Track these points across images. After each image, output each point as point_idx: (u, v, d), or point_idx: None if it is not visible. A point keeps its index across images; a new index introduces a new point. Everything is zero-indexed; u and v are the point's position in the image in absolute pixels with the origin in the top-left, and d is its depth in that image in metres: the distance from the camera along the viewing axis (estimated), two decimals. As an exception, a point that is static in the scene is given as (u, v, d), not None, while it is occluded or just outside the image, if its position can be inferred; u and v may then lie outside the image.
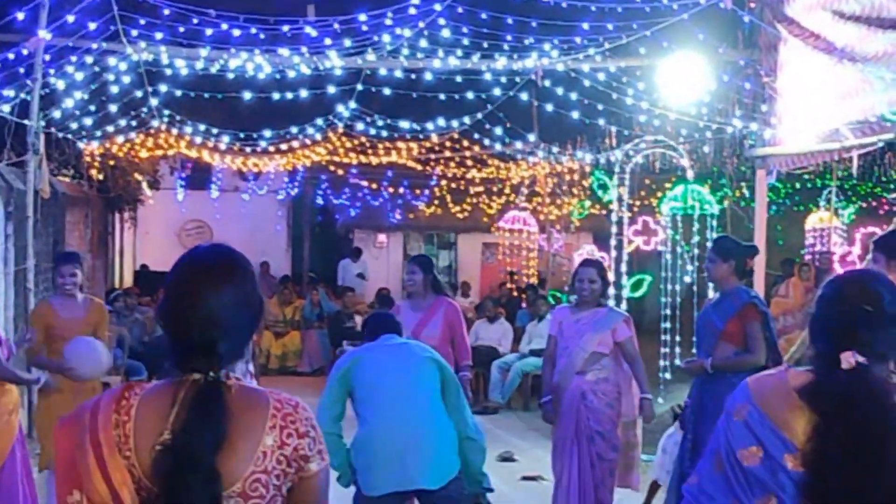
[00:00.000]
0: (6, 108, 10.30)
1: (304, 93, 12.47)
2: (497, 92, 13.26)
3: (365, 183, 21.01)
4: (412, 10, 10.21)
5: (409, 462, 5.38)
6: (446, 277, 21.09)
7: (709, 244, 7.09)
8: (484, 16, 10.45)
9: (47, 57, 10.35)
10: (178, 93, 12.69)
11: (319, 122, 14.55)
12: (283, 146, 15.85)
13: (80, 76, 11.01)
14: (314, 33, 10.79)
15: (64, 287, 7.35)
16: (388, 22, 10.47)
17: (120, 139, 14.69)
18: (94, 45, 10.64)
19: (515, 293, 18.42)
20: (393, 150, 16.97)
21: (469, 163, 18.81)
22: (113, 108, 12.50)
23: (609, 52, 11.08)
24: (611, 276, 9.00)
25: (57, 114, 11.57)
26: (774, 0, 9.02)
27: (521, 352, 14.25)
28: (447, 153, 17.61)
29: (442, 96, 13.07)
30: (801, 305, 13.46)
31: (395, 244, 22.92)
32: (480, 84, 12.73)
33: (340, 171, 19.39)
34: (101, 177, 15.94)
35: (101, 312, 7.53)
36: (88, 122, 12.65)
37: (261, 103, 12.90)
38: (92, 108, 12.30)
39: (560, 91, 12.18)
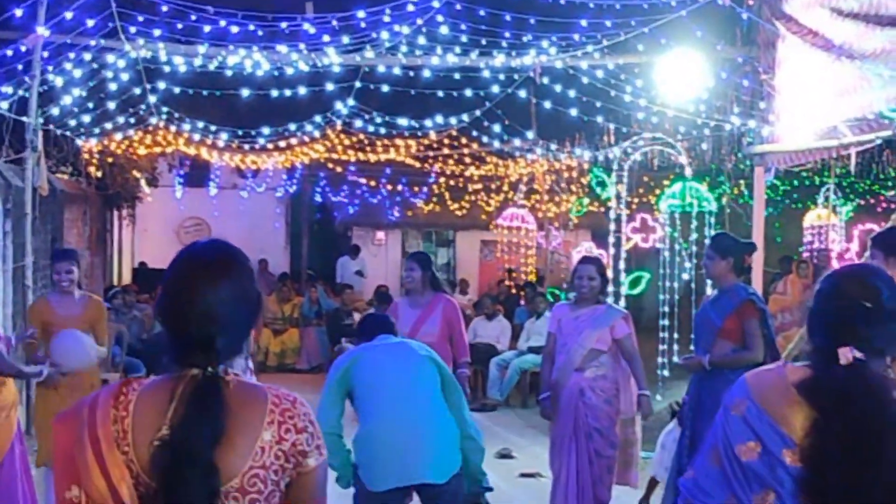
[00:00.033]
0: (4, 105, 10.30)
1: (302, 90, 12.45)
2: (495, 89, 13.26)
3: (363, 180, 21.01)
4: (410, 7, 10.20)
5: (413, 456, 5.39)
6: (445, 275, 21.11)
7: (707, 242, 7.10)
8: (482, 13, 10.43)
9: (45, 54, 10.34)
10: (177, 90, 12.69)
11: (318, 119, 14.54)
12: (282, 143, 15.84)
13: (78, 73, 11.01)
14: (312, 30, 10.78)
15: (61, 284, 7.37)
16: (387, 19, 10.45)
17: (118, 136, 14.69)
18: (93, 42, 10.63)
19: (514, 290, 18.43)
20: (391, 147, 16.96)
21: (467, 160, 18.81)
22: (111, 105, 12.49)
23: (607, 49, 11.08)
24: (609, 274, 9.01)
25: (55, 111, 11.57)
26: (773, -3, 9.04)
27: (520, 349, 14.26)
28: (445, 150, 17.60)
29: (440, 93, 13.07)
30: (799, 303, 13.48)
31: (393, 242, 22.93)
32: (479, 81, 12.72)
33: (339, 169, 19.38)
34: (99, 174, 15.93)
35: (98, 309, 7.54)
36: (87, 119, 12.65)
37: (259, 100, 12.89)
38: (90, 105, 12.29)
39: (558, 88, 12.18)
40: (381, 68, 11.92)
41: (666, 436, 7.76)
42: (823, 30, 8.11)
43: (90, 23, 10.10)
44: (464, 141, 16.71)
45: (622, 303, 11.07)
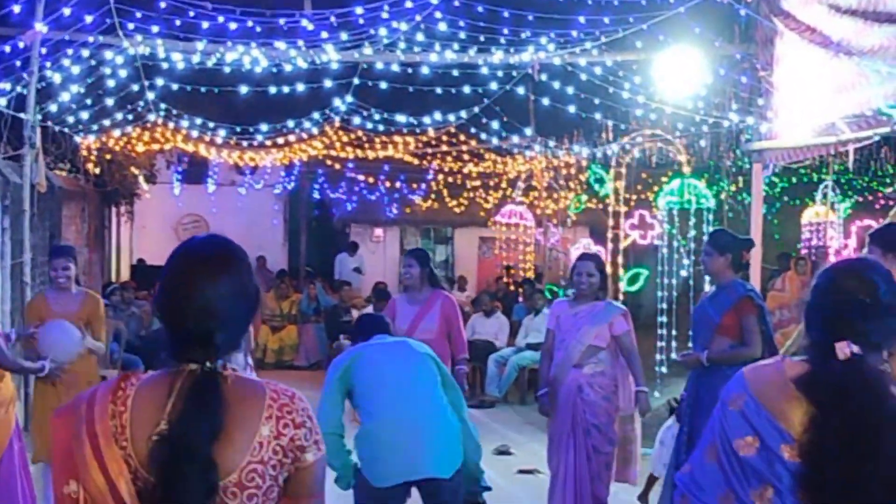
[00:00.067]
0: (2, 101, 10.28)
1: (300, 87, 12.45)
2: (494, 86, 13.26)
3: (361, 177, 20.99)
4: (409, 4, 10.19)
5: (419, 451, 5.41)
6: (443, 272, 21.14)
7: (705, 238, 7.10)
8: (480, 9, 10.42)
9: (44, 50, 10.31)
10: (175, 87, 12.67)
11: (316, 116, 14.53)
12: (280, 140, 15.83)
13: (76, 70, 10.99)
14: (311, 27, 10.77)
15: (58, 280, 7.37)
16: (385, 15, 10.45)
17: (116, 133, 14.68)
18: (91, 39, 10.61)
19: (512, 287, 18.44)
20: (389, 144, 16.96)
21: (466, 157, 18.79)
22: (109, 101, 12.47)
23: (605, 45, 11.07)
24: (607, 270, 9.00)
25: (53, 107, 11.56)
26: (771, -6, 9.04)
27: (518, 346, 14.27)
28: (444, 147, 17.59)
29: (438, 90, 13.06)
30: (797, 299, 13.48)
31: (391, 238, 22.94)
32: (477, 78, 12.72)
33: (337, 166, 19.36)
34: (97, 171, 15.93)
35: (94, 305, 7.54)
36: (85, 115, 12.64)
37: (257, 97, 12.88)
38: (88, 101, 12.28)
39: (557, 85, 12.17)
40: (380, 65, 11.92)
41: (664, 432, 7.76)
42: (821, 26, 8.12)
43: (88, 19, 10.09)
44: (462, 138, 16.71)
45: (620, 300, 11.06)
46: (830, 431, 2.42)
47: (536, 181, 18.42)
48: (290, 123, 14.76)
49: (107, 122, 13.51)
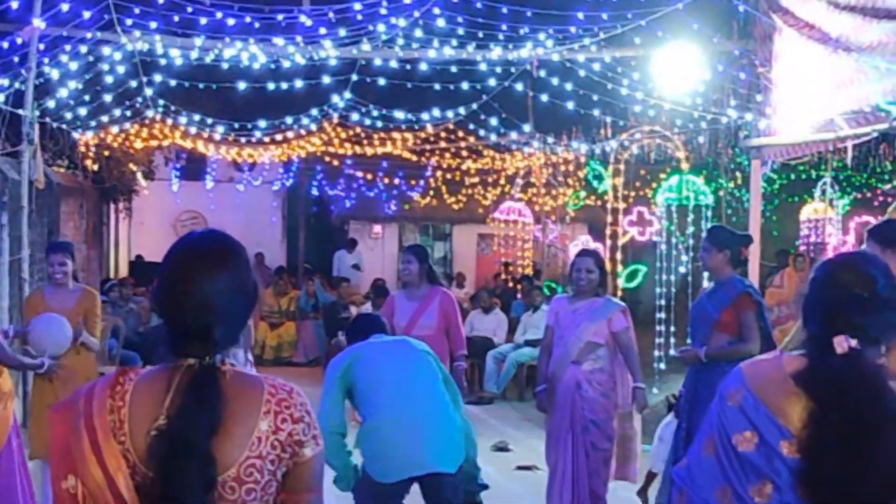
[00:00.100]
0: (0, 97, 10.27)
1: (298, 83, 12.44)
2: (492, 82, 13.24)
3: (360, 174, 20.97)
4: (407, 0, 10.19)
5: (423, 446, 5.42)
6: (442, 268, 21.13)
7: (703, 235, 7.10)
8: (479, 5, 10.42)
9: (42, 46, 10.30)
10: (173, 83, 12.66)
11: (314, 112, 14.52)
12: (278, 137, 15.81)
13: (74, 66, 10.98)
14: (309, 23, 10.76)
15: (55, 276, 7.37)
16: (383, 11, 10.44)
17: (115, 129, 14.66)
18: (89, 35, 10.60)
19: (510, 284, 18.44)
20: (388, 140, 16.95)
21: (464, 153, 18.78)
22: (108, 98, 12.46)
23: (604, 42, 11.06)
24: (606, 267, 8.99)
25: (52, 104, 11.54)
26: (769, -10, 9.04)
27: (516, 342, 14.27)
28: (442, 144, 17.60)
29: (437, 87, 13.05)
30: (795, 296, 13.48)
31: (390, 235, 22.93)
32: (475, 74, 12.72)
33: (335, 162, 19.35)
34: (95, 167, 15.91)
35: (91, 300, 7.52)
36: (83, 112, 12.62)
37: (255, 94, 12.88)
38: (87, 97, 12.27)
39: (555, 81, 12.16)
40: (378, 61, 11.90)
41: (663, 428, 7.76)
42: (820, 22, 8.12)
43: (86, 15, 10.08)
44: (460, 134, 16.70)
45: (619, 296, 11.06)
46: (829, 427, 2.42)
47: (535, 178, 18.42)
48: (289, 120, 14.75)
49: (105, 119, 13.49)
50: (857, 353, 2.49)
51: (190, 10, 10.35)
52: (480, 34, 11.14)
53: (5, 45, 10.03)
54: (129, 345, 13.21)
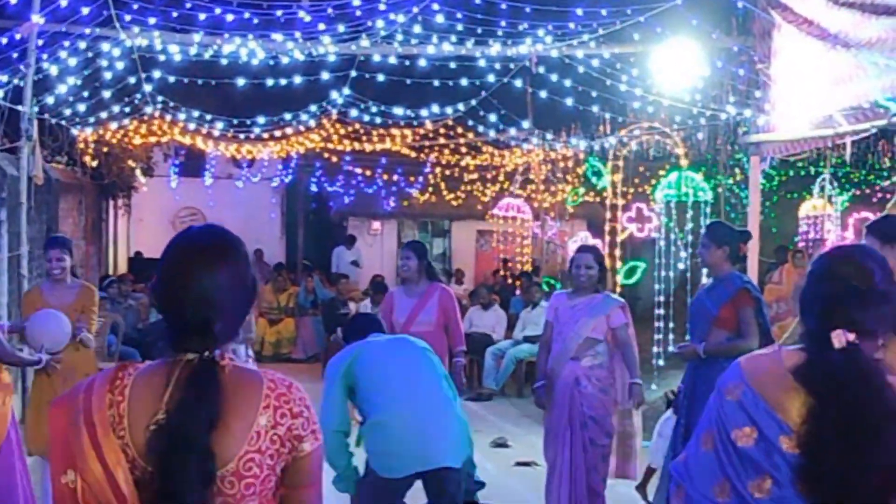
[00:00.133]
0: (-1, 93, 10.27)
1: (297, 79, 12.43)
2: (491, 78, 13.24)
3: (359, 170, 20.98)
4: (406, -4, 10.20)
5: (430, 441, 5.43)
6: (440, 265, 21.12)
7: (702, 231, 7.10)
8: (478, 1, 10.41)
9: (40, 42, 10.29)
10: (172, 79, 12.66)
11: (313, 108, 14.52)
12: (277, 133, 15.81)
13: (73, 62, 10.97)
14: (308, 18, 10.75)
15: (52, 272, 7.37)
16: (382, 7, 10.43)
17: (113, 126, 14.66)
18: (88, 31, 10.58)
19: (509, 280, 18.44)
20: (387, 137, 16.94)
21: (463, 150, 18.79)
22: (106, 94, 12.45)
23: (603, 38, 11.06)
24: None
25: (50, 100, 11.54)
26: (769, -14, 9.02)
27: (515, 338, 14.28)
28: (441, 140, 17.59)
29: (436, 83, 13.04)
30: (794, 292, 13.47)
31: (389, 231, 22.93)
32: (474, 71, 12.71)
33: (334, 159, 19.35)
34: (94, 163, 15.91)
35: (88, 296, 7.51)
36: (82, 108, 12.61)
37: (254, 90, 12.86)
38: (85, 94, 12.26)
39: (554, 78, 12.16)
40: (377, 57, 11.90)
41: (663, 424, 7.77)
42: (819, 19, 8.11)
43: (85, 11, 10.05)
44: (459, 130, 16.69)
45: (617, 292, 11.07)
46: (828, 422, 2.42)
47: (534, 174, 18.42)
48: (288, 116, 14.74)
49: (104, 115, 13.49)
50: (855, 347, 2.49)
51: (189, 6, 10.33)
52: (479, 30, 11.13)
53: (4, 41, 10.01)
54: (128, 341, 13.23)
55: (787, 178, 19.76)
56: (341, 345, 6.06)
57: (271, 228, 23.85)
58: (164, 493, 2.17)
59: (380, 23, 10.89)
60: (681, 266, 12.64)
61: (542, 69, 11.92)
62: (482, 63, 12.15)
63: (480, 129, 15.92)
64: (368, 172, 20.97)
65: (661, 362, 12.05)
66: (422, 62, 11.83)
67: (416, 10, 10.48)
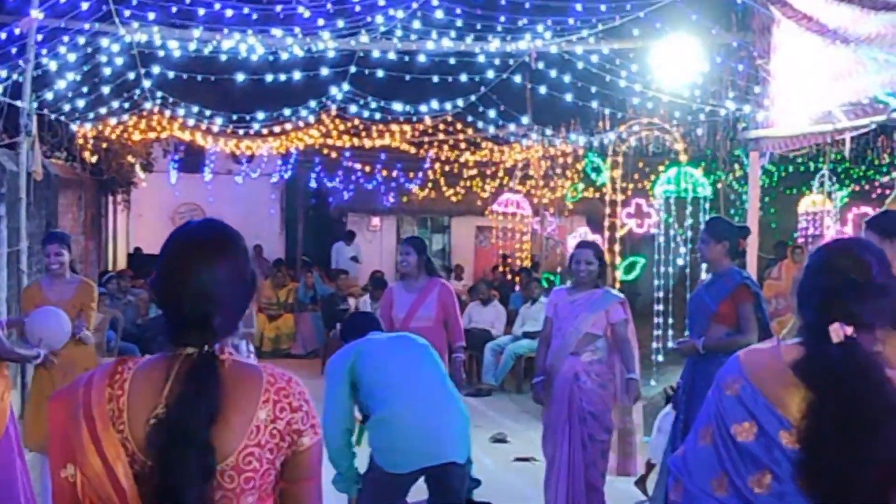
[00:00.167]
0: (-2, 89, 10.26)
1: (297, 75, 12.42)
2: (490, 74, 13.24)
3: (358, 166, 20.97)
4: (405, -8, 10.19)
5: (437, 437, 5.43)
6: (440, 261, 21.14)
7: (702, 227, 7.11)
8: (477, -4, 10.44)
9: (39, 37, 10.27)
10: (171, 75, 12.64)
11: (313, 104, 14.51)
12: (277, 129, 15.81)
13: (72, 57, 10.96)
14: (307, 14, 10.74)
15: (50, 266, 7.35)
16: (382, 3, 10.42)
17: (113, 121, 14.65)
18: (87, 26, 10.57)
19: (509, 276, 18.44)
20: (386, 132, 16.94)
21: (462, 146, 18.77)
22: (106, 89, 12.44)
23: (602, 33, 11.05)
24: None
25: (50, 95, 11.53)
26: (768, -18, 9.02)
27: (515, 334, 14.28)
28: (440, 136, 17.58)
29: (435, 79, 13.04)
30: (792, 287, 13.47)
31: (388, 227, 22.94)
32: (474, 66, 12.71)
33: (334, 154, 19.34)
34: (94, 159, 15.90)
35: (87, 291, 7.50)
36: (81, 103, 12.61)
37: (254, 85, 12.86)
38: (85, 89, 12.25)
39: (553, 73, 12.16)
40: (376, 53, 11.90)
41: (662, 419, 7.77)
42: (818, 14, 8.10)
43: (84, 6, 10.04)
44: (459, 126, 16.69)
45: (617, 288, 11.08)
46: (827, 417, 2.42)
47: (533, 170, 18.41)
48: (287, 112, 14.74)
49: (103, 111, 13.48)
50: (854, 341, 2.48)
51: (188, 1, 10.33)
52: (479, 26, 11.14)
53: (3, 36, 10.00)
54: (127, 337, 13.23)
55: (787, 174, 19.74)
56: (340, 341, 6.06)
57: (271, 224, 23.84)
58: (163, 487, 2.17)
59: (379, 18, 10.88)
60: (680, 262, 12.65)
61: (541, 65, 11.92)
62: (481, 59, 12.14)
63: (480, 124, 15.92)
64: (368, 168, 20.96)
65: (660, 358, 12.06)
66: (421, 58, 11.83)
67: (415, 5, 10.48)
